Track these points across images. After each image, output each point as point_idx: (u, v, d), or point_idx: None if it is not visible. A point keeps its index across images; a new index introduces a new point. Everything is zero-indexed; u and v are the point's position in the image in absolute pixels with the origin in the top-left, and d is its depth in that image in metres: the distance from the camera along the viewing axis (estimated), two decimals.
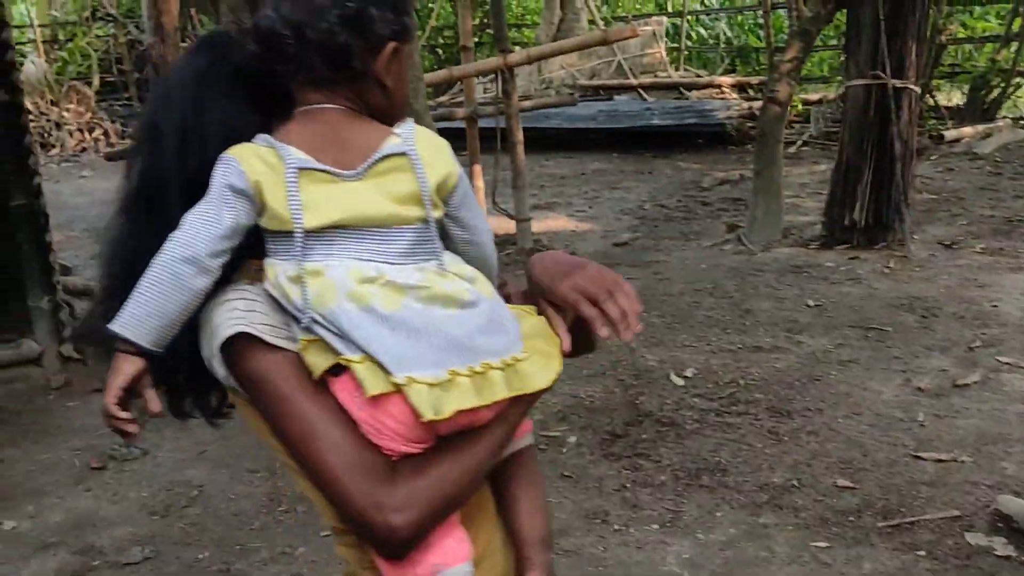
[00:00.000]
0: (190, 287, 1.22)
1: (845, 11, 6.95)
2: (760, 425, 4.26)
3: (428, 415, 1.16)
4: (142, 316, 1.22)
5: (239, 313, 1.25)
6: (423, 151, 1.24)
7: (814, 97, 12.50)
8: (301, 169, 1.20)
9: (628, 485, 3.81)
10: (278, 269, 1.22)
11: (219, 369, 1.26)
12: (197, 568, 3.45)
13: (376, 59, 1.26)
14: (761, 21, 16.36)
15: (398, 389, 1.16)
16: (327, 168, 1.21)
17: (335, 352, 1.19)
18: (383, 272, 1.21)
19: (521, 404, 1.28)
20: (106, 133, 15.41)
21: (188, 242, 1.22)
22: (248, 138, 1.25)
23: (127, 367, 1.24)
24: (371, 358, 1.17)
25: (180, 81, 1.32)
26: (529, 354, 1.26)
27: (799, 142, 11.25)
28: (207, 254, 1.22)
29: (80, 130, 15.31)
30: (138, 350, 1.23)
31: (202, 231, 1.22)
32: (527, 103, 8.16)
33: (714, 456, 3.99)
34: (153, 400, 1.26)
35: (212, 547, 3.57)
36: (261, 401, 1.25)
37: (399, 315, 1.18)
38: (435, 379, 1.17)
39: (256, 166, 1.21)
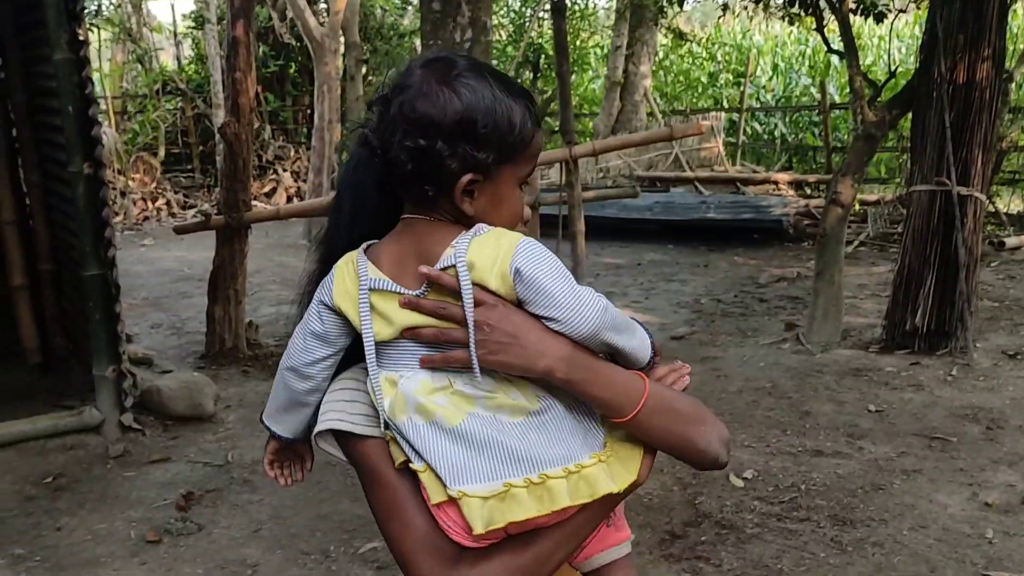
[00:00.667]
0: (296, 390, 1.41)
1: (910, 116, 6.97)
2: (823, 533, 4.16)
3: (478, 528, 1.21)
4: (272, 411, 1.47)
5: (340, 405, 1.37)
6: (476, 257, 1.26)
7: (872, 197, 12.46)
8: (372, 289, 1.30)
9: None
10: (369, 371, 1.32)
11: (326, 447, 1.41)
12: None
13: (452, 189, 1.30)
14: (817, 119, 16.48)
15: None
16: (393, 289, 1.29)
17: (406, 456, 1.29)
18: (452, 381, 1.27)
19: (592, 508, 1.30)
20: (168, 203, 15.79)
21: (289, 353, 1.41)
22: (391, 222, 1.37)
23: (270, 445, 1.55)
24: (432, 469, 1.25)
25: (352, 164, 1.43)
26: (602, 458, 1.28)
27: (856, 242, 11.20)
28: (302, 364, 1.38)
29: (144, 199, 15.71)
30: (274, 436, 1.50)
31: (297, 343, 1.39)
32: (589, 194, 8.22)
33: (776, 563, 3.91)
34: (281, 478, 1.59)
35: None
36: (359, 479, 1.38)
37: (462, 427, 1.24)
38: (490, 491, 1.21)
39: (342, 283, 1.33)
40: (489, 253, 1.25)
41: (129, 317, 8.10)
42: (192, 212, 14.82)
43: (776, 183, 13.87)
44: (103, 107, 17.43)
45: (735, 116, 17.17)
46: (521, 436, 1.24)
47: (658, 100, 18.41)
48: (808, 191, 13.81)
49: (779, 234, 11.81)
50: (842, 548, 4.03)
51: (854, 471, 4.81)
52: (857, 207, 11.85)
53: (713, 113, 17.09)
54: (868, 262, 10.35)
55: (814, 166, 16.05)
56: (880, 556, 3.95)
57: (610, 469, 1.28)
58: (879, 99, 7.34)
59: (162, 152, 16.89)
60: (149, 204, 15.70)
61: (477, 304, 1.24)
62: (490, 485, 1.21)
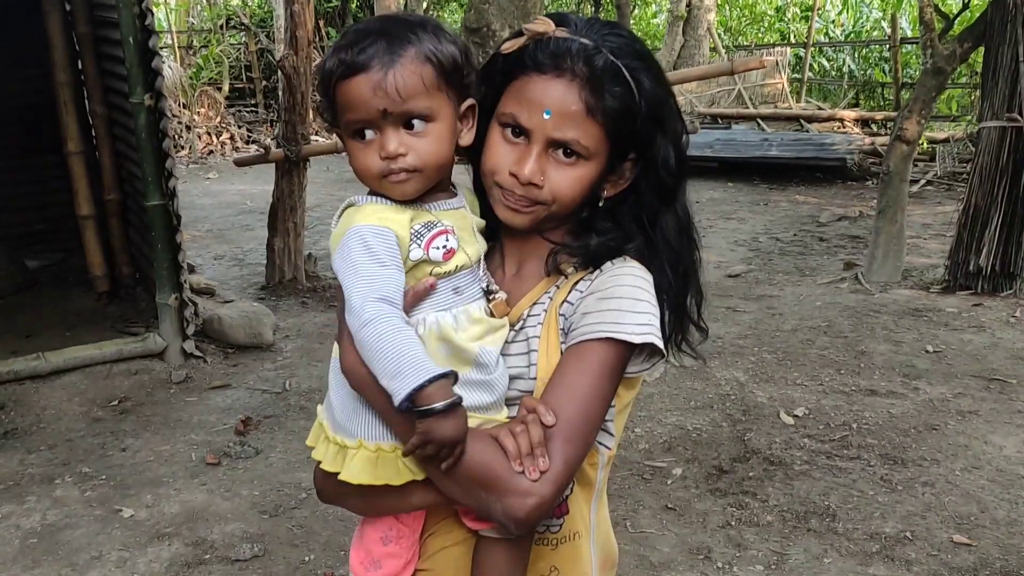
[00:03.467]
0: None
1: (982, 50, 6.74)
2: (872, 472, 4.15)
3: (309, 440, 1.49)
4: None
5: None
6: (335, 231, 1.37)
7: (941, 135, 12.13)
8: None
9: (733, 523, 3.76)
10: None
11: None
12: (303, 570, 3.53)
13: None
14: (887, 55, 16.01)
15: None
16: None
17: None
18: None
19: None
20: (232, 137, 15.96)
21: None
22: None
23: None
24: None
25: None
26: (367, 447, 1.34)
27: (923, 181, 10.94)
28: None
29: (208, 133, 15.90)
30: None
31: None
32: None
33: (823, 500, 3.91)
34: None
35: (318, 550, 3.65)
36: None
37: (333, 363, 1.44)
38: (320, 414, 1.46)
39: None
40: (337, 231, 1.35)
41: (193, 248, 8.29)
42: (255, 146, 14.96)
43: (842, 120, 13.56)
44: (169, 41, 17.59)
45: (801, 51, 16.76)
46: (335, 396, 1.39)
47: (722, 35, 18.03)
48: (875, 129, 13.48)
49: (843, 173, 11.59)
50: (892, 487, 4.01)
51: (908, 411, 4.77)
52: (926, 145, 11.57)
53: (778, 48, 16.70)
54: (934, 201, 10.11)
55: (882, 103, 15.65)
56: (930, 495, 3.93)
57: (358, 461, 1.34)
58: (951, 32, 7.11)
59: (226, 87, 17.01)
60: (213, 138, 15.89)
61: None
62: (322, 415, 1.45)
